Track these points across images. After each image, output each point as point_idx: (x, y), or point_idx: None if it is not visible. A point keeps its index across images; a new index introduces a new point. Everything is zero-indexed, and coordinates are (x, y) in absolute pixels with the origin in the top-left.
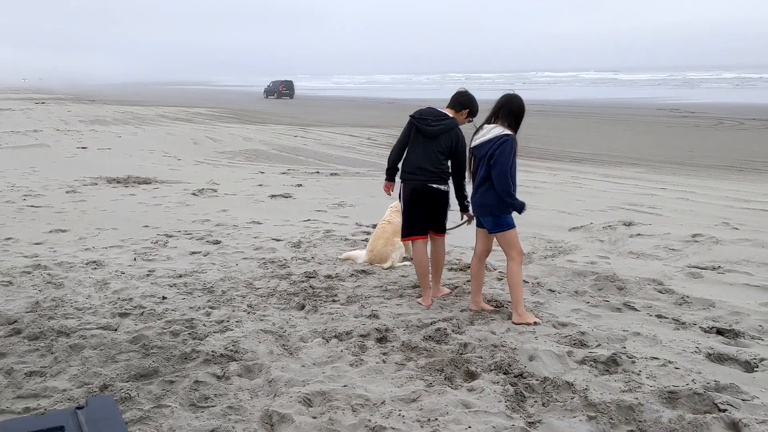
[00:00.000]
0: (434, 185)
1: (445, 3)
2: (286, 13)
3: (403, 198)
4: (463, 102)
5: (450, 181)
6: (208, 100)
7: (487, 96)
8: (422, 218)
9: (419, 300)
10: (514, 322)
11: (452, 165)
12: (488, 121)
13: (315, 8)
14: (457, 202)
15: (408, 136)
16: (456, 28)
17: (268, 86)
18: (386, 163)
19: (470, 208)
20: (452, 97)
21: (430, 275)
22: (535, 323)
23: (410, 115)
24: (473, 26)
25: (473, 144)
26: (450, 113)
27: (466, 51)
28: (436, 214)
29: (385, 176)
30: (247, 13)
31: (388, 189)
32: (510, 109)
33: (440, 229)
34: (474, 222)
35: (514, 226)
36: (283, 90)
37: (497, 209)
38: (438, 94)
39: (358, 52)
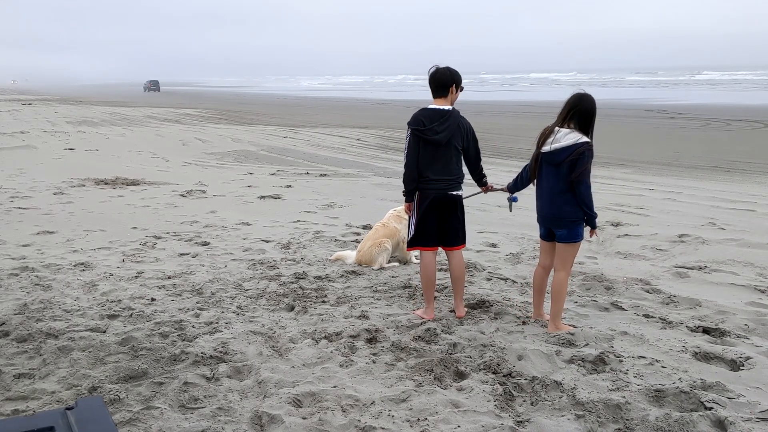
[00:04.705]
0: (453, 192)
1: (403, 6)
2: (270, 15)
3: (418, 207)
4: (447, 82)
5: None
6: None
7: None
8: (435, 229)
9: (419, 312)
10: (549, 332)
11: (469, 156)
12: (561, 125)
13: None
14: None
15: (417, 148)
16: (414, 32)
17: (145, 84)
18: (404, 184)
19: (487, 182)
20: (435, 84)
21: (451, 294)
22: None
23: (410, 126)
24: (431, 30)
25: (545, 150)
26: (445, 104)
27: (422, 54)
28: (454, 223)
29: (405, 197)
30: (228, 15)
31: (410, 209)
32: (581, 110)
33: (459, 241)
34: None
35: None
36: (151, 87)
37: (574, 221)
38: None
39: (320, 55)
